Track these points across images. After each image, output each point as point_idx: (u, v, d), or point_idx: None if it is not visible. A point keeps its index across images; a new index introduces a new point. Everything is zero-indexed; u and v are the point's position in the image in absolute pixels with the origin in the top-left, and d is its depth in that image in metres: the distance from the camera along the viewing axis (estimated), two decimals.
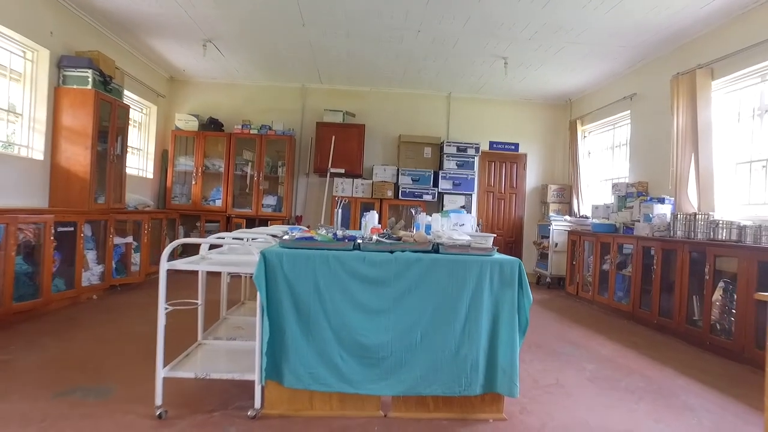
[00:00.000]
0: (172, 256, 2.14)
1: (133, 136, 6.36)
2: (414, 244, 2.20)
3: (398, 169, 6.75)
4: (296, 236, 2.24)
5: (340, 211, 3.06)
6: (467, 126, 7.25)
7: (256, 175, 6.61)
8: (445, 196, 6.74)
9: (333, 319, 2.11)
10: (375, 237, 2.27)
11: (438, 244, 2.22)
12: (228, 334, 2.86)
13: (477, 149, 6.72)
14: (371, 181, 6.70)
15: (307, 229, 2.91)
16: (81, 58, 4.43)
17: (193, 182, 6.62)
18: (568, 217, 6.40)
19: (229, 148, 6.64)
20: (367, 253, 2.13)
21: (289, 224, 6.81)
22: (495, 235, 2.40)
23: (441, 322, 2.14)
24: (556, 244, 6.51)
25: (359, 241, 2.25)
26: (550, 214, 6.92)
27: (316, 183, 7.09)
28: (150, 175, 6.65)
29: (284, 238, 2.24)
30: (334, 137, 6.61)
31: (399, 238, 2.30)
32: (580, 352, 3.47)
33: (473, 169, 6.73)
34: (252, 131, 6.63)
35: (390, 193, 6.66)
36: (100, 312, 4.02)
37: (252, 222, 6.63)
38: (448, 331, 2.14)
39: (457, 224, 2.71)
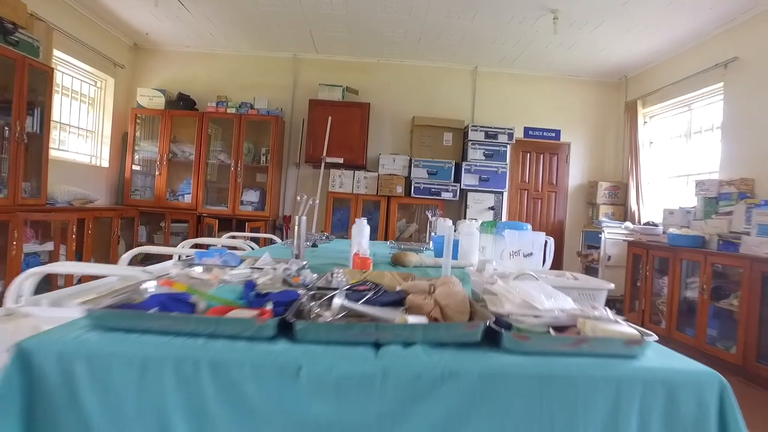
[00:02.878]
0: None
1: (83, 115, 5.12)
2: (432, 326, 0.85)
3: (411, 160, 5.38)
4: (150, 293, 0.91)
5: (301, 218, 1.72)
6: (497, 107, 5.84)
7: (233, 164, 5.31)
8: (469, 194, 5.36)
9: None
10: (340, 300, 0.92)
11: (500, 322, 0.86)
12: None
13: (510, 135, 5.31)
14: (377, 174, 5.35)
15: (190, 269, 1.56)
16: None
17: (157, 173, 5.36)
18: (629, 224, 4.97)
19: (201, 131, 5.36)
20: (311, 349, 0.80)
21: (275, 226, 5.50)
22: (612, 285, 1.03)
23: None
24: (609, 258, 5.09)
25: (299, 307, 0.90)
26: (601, 218, 5.49)
27: (309, 175, 5.77)
28: (105, 164, 5.41)
29: (103, 304, 0.91)
30: (330, 118, 5.26)
31: (401, 300, 0.95)
32: None
33: (505, 161, 5.32)
34: (229, 110, 5.33)
35: (400, 190, 5.30)
36: None
37: (228, 223, 5.34)
38: None
39: (519, 253, 1.33)
